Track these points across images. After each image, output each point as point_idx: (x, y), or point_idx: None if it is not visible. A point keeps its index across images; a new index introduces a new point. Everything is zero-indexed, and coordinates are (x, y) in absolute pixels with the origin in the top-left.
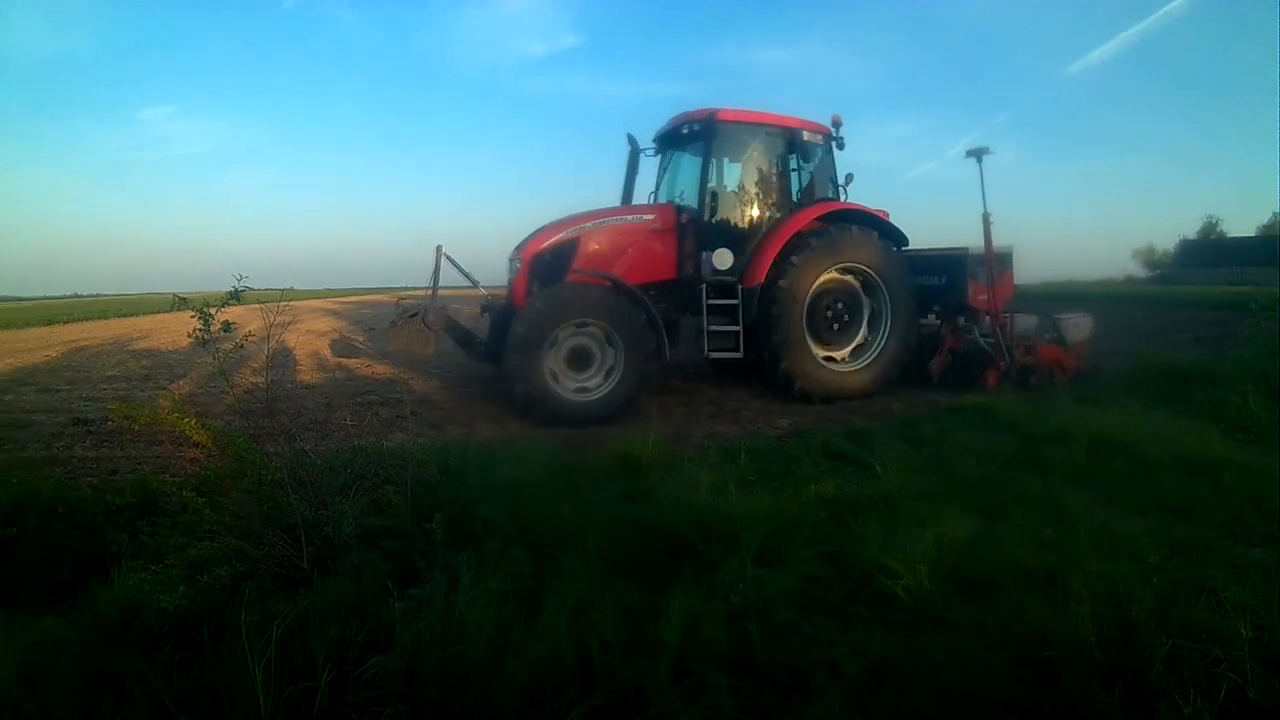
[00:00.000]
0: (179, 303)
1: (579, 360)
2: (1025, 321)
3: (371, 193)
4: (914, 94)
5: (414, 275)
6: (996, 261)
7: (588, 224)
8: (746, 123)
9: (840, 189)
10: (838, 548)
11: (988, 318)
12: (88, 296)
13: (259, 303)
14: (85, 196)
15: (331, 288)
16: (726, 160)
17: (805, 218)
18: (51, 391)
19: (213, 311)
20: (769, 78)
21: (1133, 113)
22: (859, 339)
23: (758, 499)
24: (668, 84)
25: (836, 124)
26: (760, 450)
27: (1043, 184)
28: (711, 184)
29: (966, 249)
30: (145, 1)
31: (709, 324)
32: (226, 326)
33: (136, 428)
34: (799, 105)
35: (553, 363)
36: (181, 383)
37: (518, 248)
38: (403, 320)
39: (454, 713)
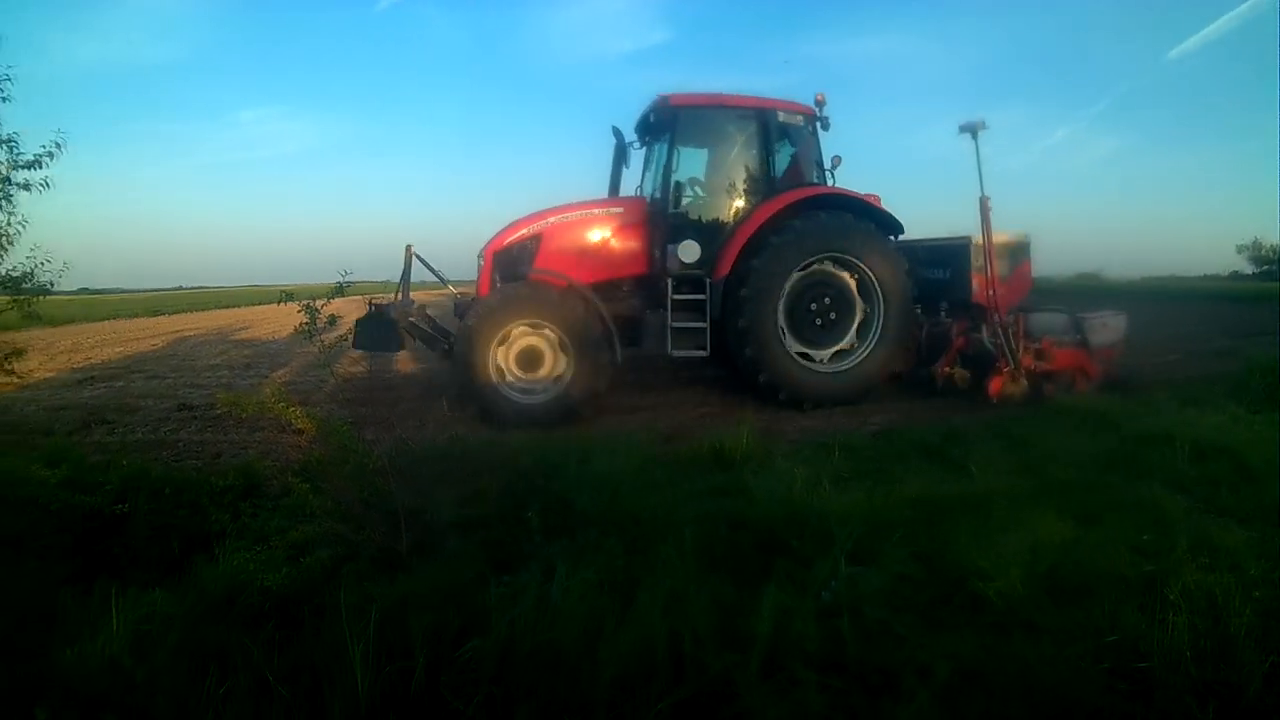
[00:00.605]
0: (285, 297)
1: (530, 361)
2: (1048, 321)
3: (462, 189)
4: (1008, 83)
5: None
6: (1010, 252)
7: (551, 219)
8: (706, 105)
9: (827, 173)
10: (930, 548)
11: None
12: (191, 289)
13: (359, 294)
14: (188, 195)
15: (425, 280)
16: (695, 147)
17: (775, 205)
18: (159, 379)
19: (319, 305)
20: (860, 69)
21: (1237, 99)
22: (849, 339)
23: (852, 496)
24: (757, 77)
25: (820, 103)
26: (854, 447)
27: (1141, 175)
28: (676, 173)
29: (969, 237)
30: (241, 8)
31: (673, 320)
32: (332, 320)
33: (243, 415)
34: (888, 95)
35: (502, 361)
36: (282, 371)
37: (487, 244)
38: (363, 320)
39: (545, 699)
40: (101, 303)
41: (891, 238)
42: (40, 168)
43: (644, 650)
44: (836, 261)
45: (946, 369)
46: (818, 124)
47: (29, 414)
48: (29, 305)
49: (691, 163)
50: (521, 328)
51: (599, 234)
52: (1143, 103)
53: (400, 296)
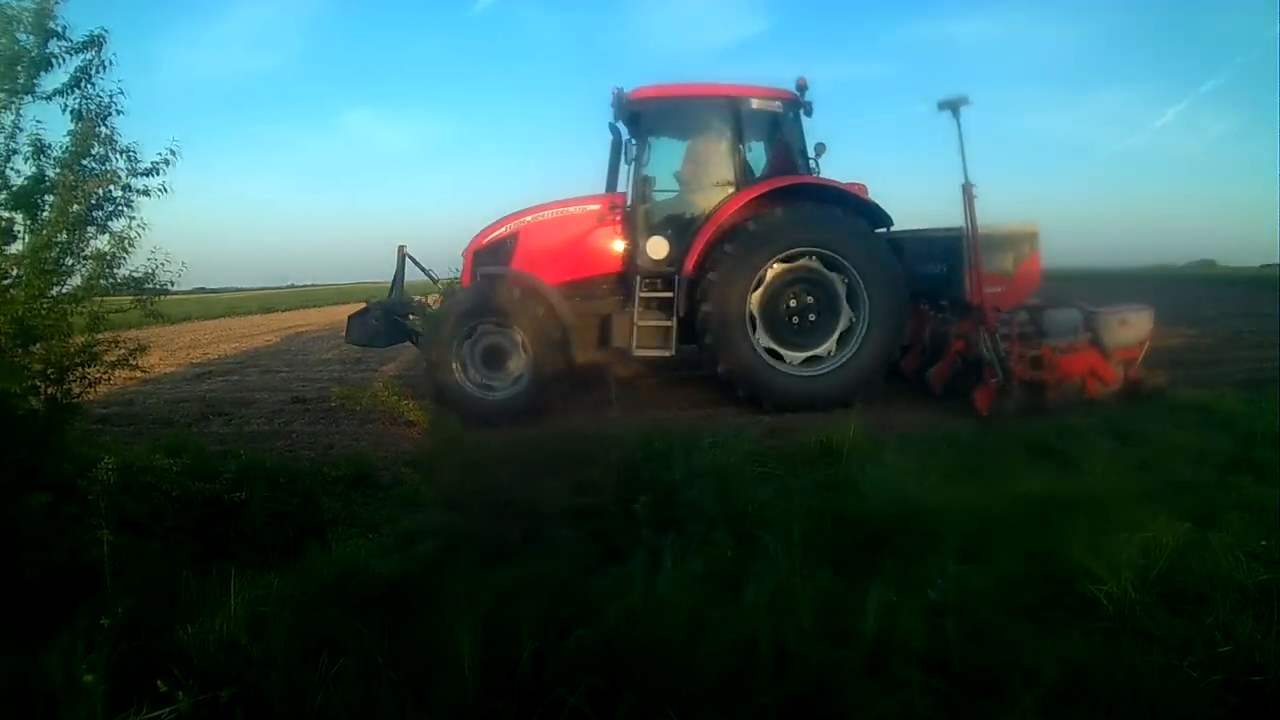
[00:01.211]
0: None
1: (495, 358)
2: (1062, 318)
3: (562, 186)
4: (1115, 62)
5: None
6: (1014, 245)
7: (528, 217)
8: (670, 97)
9: (812, 161)
10: (1040, 548)
11: (1004, 314)
12: (302, 287)
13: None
14: (296, 195)
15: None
16: (670, 139)
17: (744, 196)
18: (272, 372)
19: (430, 302)
20: (964, 51)
21: None
22: (827, 346)
23: (960, 492)
24: (859, 64)
25: (801, 87)
26: (962, 441)
27: (1254, 159)
28: (646, 168)
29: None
30: (341, 16)
31: (638, 318)
32: None
33: (355, 408)
34: (990, 77)
35: (466, 358)
36: (391, 365)
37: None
38: (355, 315)
39: (649, 689)
40: (216, 300)
41: (881, 230)
42: (158, 174)
43: (748, 644)
44: (825, 260)
45: (942, 373)
46: (800, 110)
47: (151, 406)
48: (150, 304)
49: (668, 157)
50: (487, 326)
51: (574, 232)
52: (1255, 82)
53: (393, 295)
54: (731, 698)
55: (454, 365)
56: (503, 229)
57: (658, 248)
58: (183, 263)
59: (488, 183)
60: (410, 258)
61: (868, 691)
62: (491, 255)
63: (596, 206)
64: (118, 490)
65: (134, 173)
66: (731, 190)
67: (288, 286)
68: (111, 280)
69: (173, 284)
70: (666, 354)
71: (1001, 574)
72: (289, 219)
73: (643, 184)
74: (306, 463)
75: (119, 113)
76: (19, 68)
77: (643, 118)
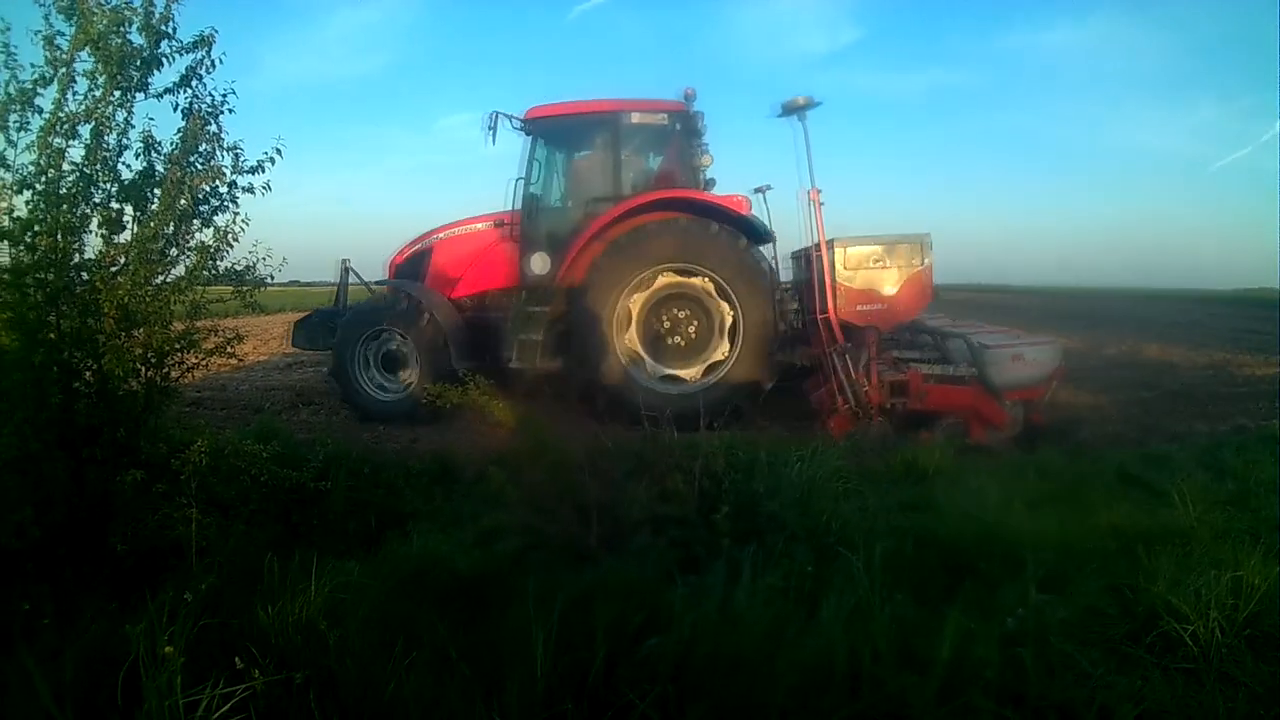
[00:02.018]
0: None
1: (393, 363)
2: (954, 346)
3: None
4: (1219, 72)
5: None
6: (894, 257)
7: (441, 234)
8: (560, 115)
9: (702, 175)
10: (1125, 581)
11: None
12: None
13: None
14: (393, 195)
15: None
16: (564, 155)
17: (615, 212)
18: None
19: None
20: (1059, 59)
21: None
22: (697, 369)
23: (1044, 520)
24: (954, 72)
25: (689, 97)
26: (1048, 468)
27: None
28: (534, 185)
29: (831, 241)
30: (437, 19)
31: (515, 333)
32: None
33: (446, 406)
34: (1085, 86)
35: (367, 361)
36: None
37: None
38: (298, 321)
39: (721, 702)
40: (310, 294)
41: (762, 245)
42: (261, 172)
43: (823, 663)
44: (719, 287)
45: (819, 394)
46: (689, 123)
47: (243, 393)
48: (249, 296)
49: (559, 171)
50: (392, 333)
51: (474, 248)
52: None
53: (337, 303)
54: (803, 716)
55: (354, 367)
56: (419, 244)
57: (539, 263)
58: (283, 258)
59: None
60: (352, 270)
61: (940, 718)
62: (409, 269)
63: (499, 223)
64: (207, 472)
65: (239, 170)
66: (609, 205)
67: (379, 283)
68: (213, 271)
69: (272, 278)
70: (544, 368)
71: (1082, 606)
72: (386, 217)
73: (530, 200)
74: (391, 455)
75: (230, 111)
76: (131, 67)
77: (539, 134)
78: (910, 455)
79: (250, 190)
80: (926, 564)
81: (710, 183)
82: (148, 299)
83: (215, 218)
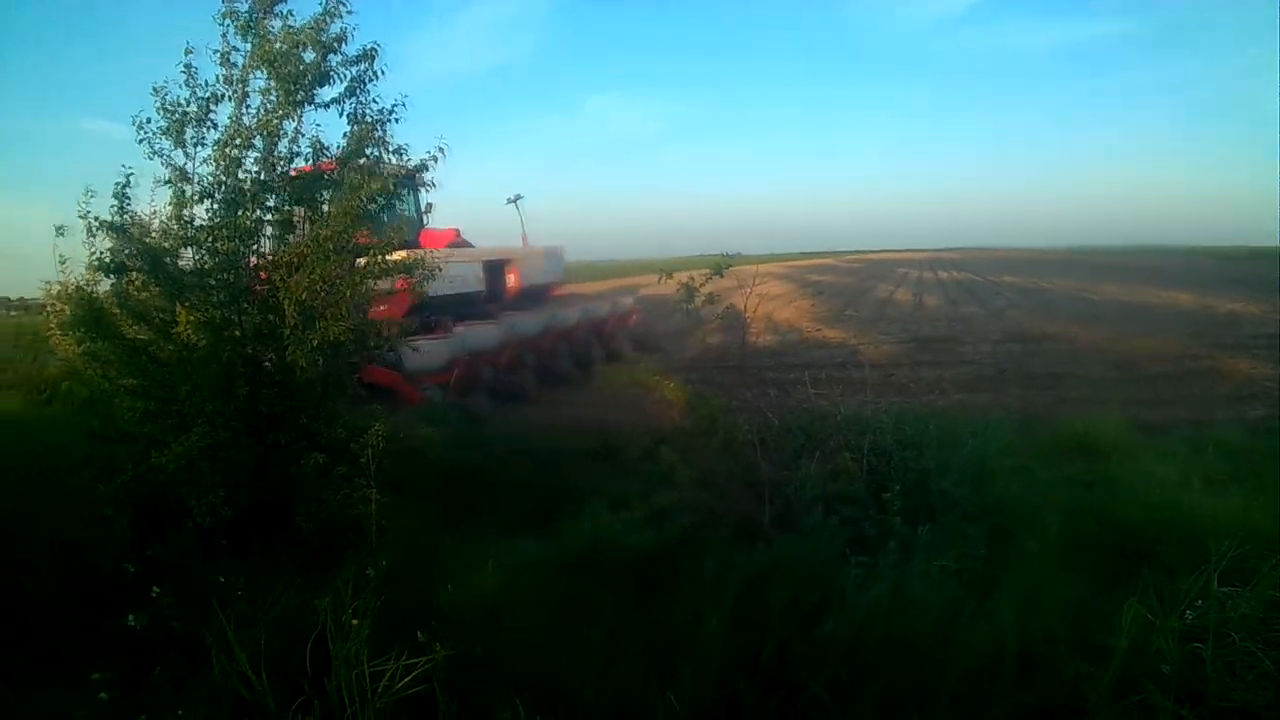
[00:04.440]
0: (665, 277)
1: None
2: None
3: (803, 162)
4: None
5: (860, 239)
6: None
7: None
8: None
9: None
10: None
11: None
12: None
13: (706, 268)
14: (546, 176)
15: (778, 251)
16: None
17: None
18: None
19: (696, 284)
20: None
21: None
22: None
23: (1227, 502)
24: (1103, 21)
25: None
26: (1230, 444)
27: None
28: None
29: None
30: (578, 8)
31: None
32: (711, 299)
33: (616, 384)
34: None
35: None
36: None
37: None
38: None
39: (891, 685)
40: None
41: None
42: (425, 170)
43: (995, 647)
44: None
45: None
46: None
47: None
48: (418, 288)
49: None
50: None
51: None
52: None
53: None
54: (974, 701)
55: None
56: None
57: None
58: (450, 250)
59: (729, 164)
60: None
61: (1114, 714)
62: None
63: None
64: (384, 454)
65: (405, 170)
66: None
67: None
68: (383, 266)
69: (440, 269)
70: None
71: (1267, 599)
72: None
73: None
74: (560, 434)
75: (396, 120)
76: (303, 82)
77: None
78: (1081, 429)
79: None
80: (1103, 546)
81: None
82: (322, 295)
83: (383, 216)
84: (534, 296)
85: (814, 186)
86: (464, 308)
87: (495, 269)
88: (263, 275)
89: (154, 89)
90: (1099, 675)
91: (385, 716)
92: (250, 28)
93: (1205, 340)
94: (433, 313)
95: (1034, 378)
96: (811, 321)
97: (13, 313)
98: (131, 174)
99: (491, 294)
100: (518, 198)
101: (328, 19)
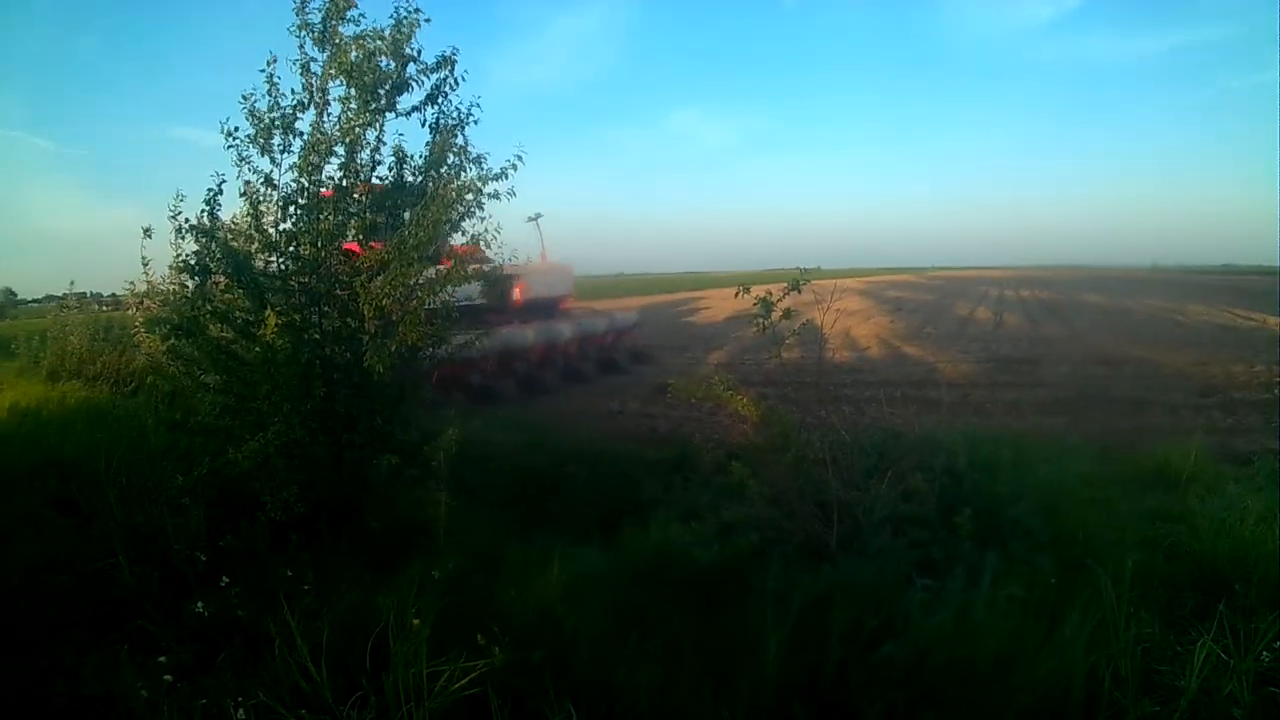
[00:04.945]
0: (743, 291)
1: None
2: None
3: (883, 176)
4: None
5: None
6: None
7: None
8: None
9: None
10: None
11: None
12: (630, 275)
13: (781, 281)
14: (625, 190)
15: (856, 266)
16: None
17: None
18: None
19: (773, 300)
20: None
21: None
22: None
23: None
24: (1192, 30)
25: None
26: None
27: None
28: None
29: None
30: (655, 19)
31: None
32: (788, 314)
33: (692, 400)
34: None
35: None
36: (717, 354)
37: None
38: None
39: (951, 716)
40: None
41: None
42: (505, 179)
43: (1061, 683)
44: None
45: None
46: None
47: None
48: (497, 291)
49: None
50: None
51: None
52: None
53: None
54: None
55: None
56: None
57: None
58: (526, 257)
59: (796, 176)
60: None
61: None
62: None
63: None
64: (456, 459)
65: (484, 178)
66: None
67: (618, 275)
68: (462, 273)
69: (515, 278)
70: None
71: None
72: (620, 211)
73: None
74: (630, 444)
75: (475, 123)
76: (381, 90)
77: None
78: (1162, 457)
79: (496, 196)
80: (1178, 581)
81: None
82: (401, 300)
83: (464, 223)
84: (542, 309)
85: (894, 201)
86: (465, 317)
87: (500, 282)
88: (344, 279)
89: (243, 97)
90: (1166, 717)
91: (439, 716)
92: (325, 38)
93: None
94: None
95: (1115, 402)
96: (890, 339)
97: (104, 308)
98: (224, 181)
99: (497, 306)
100: (537, 216)
101: (404, 28)
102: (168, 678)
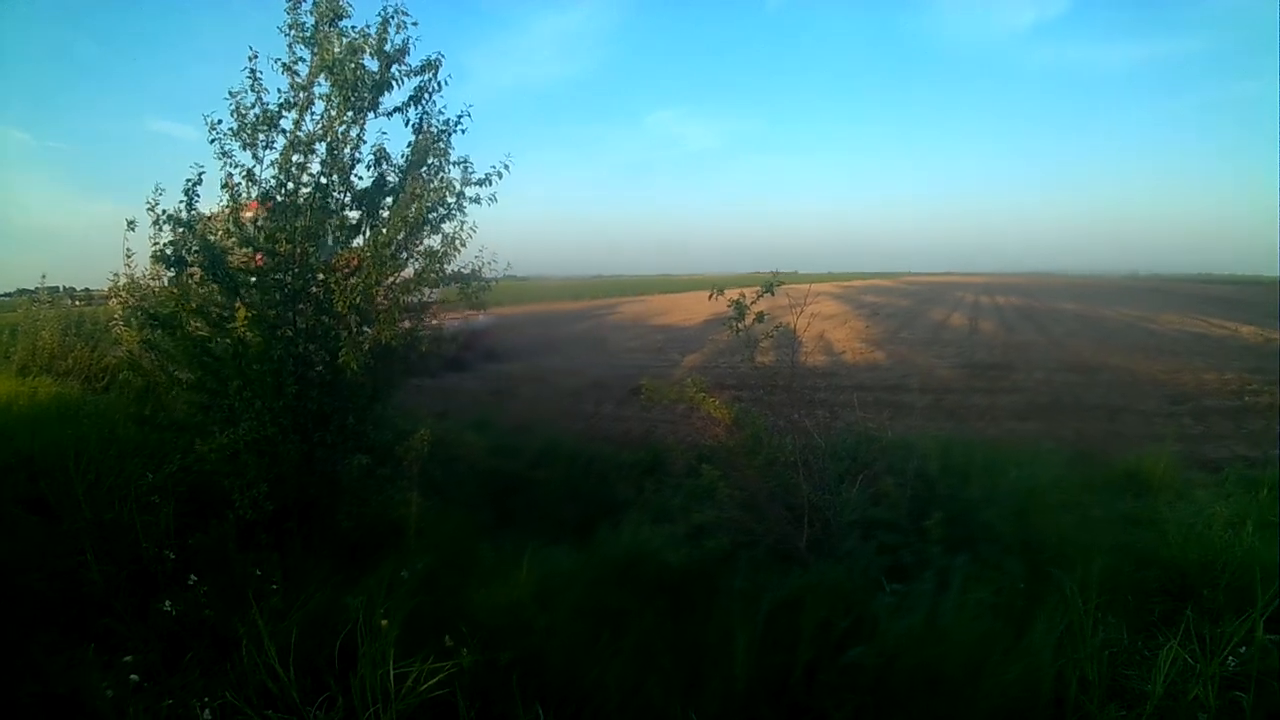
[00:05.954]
0: (717, 293)
1: None
2: None
3: (861, 182)
4: None
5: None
6: None
7: None
8: None
9: None
10: None
11: None
12: (609, 276)
13: (756, 285)
14: (606, 190)
15: (833, 270)
16: None
17: None
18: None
19: (747, 302)
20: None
21: None
22: None
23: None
24: (1167, 40)
25: None
26: None
27: None
28: None
29: None
30: (638, 20)
31: None
32: (760, 317)
33: (664, 402)
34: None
35: None
36: (693, 357)
37: None
38: None
39: (919, 718)
40: (526, 288)
41: None
42: (489, 184)
43: (1028, 687)
44: None
45: None
46: None
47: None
48: (475, 297)
49: None
50: None
51: None
52: None
53: None
54: None
55: None
56: None
57: None
58: (508, 263)
59: (777, 179)
60: None
61: None
62: None
63: None
64: (428, 459)
65: (467, 182)
66: None
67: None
68: (439, 274)
69: (496, 282)
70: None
71: None
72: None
73: None
74: (604, 446)
75: (461, 131)
76: (364, 90)
77: None
78: (1133, 463)
79: (477, 200)
80: (1146, 586)
81: None
82: (377, 299)
83: (444, 225)
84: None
85: (873, 206)
86: None
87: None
88: (320, 276)
89: (229, 93)
90: None
91: (406, 718)
92: (312, 40)
93: (1267, 375)
94: None
95: (1088, 408)
96: (865, 343)
97: (76, 303)
98: (203, 172)
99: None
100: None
101: (388, 28)
102: (134, 677)
